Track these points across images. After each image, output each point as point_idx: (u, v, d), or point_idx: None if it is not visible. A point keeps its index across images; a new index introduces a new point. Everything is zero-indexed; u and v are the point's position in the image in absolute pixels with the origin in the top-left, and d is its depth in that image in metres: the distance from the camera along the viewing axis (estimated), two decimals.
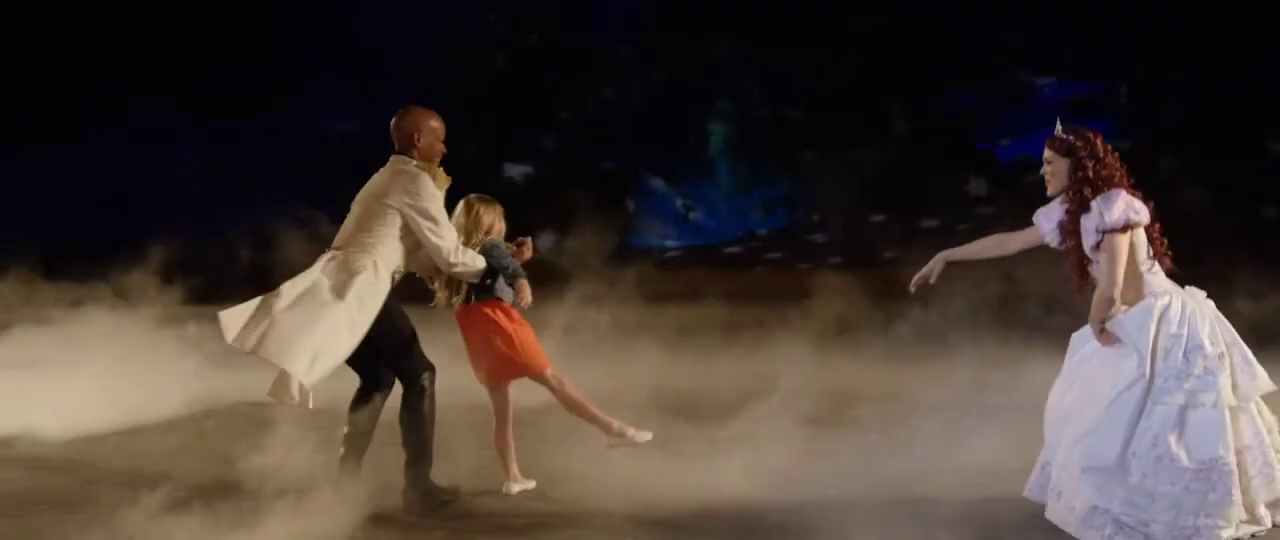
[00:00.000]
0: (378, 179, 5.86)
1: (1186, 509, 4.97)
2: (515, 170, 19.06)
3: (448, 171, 5.92)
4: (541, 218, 17.43)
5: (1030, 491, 5.34)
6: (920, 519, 5.50)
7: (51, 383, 8.42)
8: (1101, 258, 5.08)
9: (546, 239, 16.92)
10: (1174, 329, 5.05)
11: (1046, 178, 5.25)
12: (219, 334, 5.52)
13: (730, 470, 6.32)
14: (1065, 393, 5.24)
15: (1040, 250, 5.51)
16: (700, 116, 20.92)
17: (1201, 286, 5.30)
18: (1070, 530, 5.11)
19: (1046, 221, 5.35)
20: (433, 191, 5.76)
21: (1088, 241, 5.12)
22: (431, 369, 5.95)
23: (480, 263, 5.87)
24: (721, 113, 20.85)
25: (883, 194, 18.57)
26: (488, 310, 6.04)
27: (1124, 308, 5.09)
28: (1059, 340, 5.48)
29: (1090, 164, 5.10)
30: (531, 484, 6.26)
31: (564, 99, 20.63)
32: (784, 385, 7.65)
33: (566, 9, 21.48)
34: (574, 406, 6.18)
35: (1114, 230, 5.02)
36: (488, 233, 6.04)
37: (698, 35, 20.62)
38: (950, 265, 5.68)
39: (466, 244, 5.94)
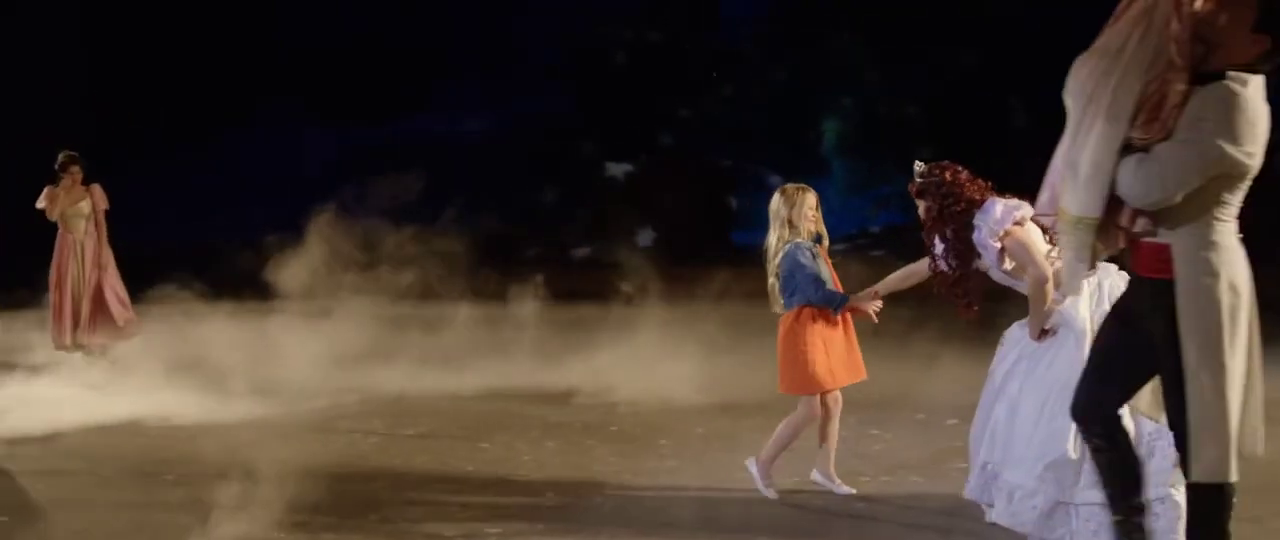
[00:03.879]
0: None
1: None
2: (616, 168, 19.32)
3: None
4: (646, 215, 17.73)
5: (970, 493, 5.29)
6: None
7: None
8: (1014, 257, 5.12)
9: (646, 236, 17.25)
10: (1100, 306, 5.03)
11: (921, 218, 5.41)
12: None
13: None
14: (1001, 391, 5.20)
15: None
16: (820, 114, 20.87)
17: None
18: (1026, 530, 5.09)
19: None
20: None
21: (991, 258, 5.17)
22: None
23: None
24: (841, 110, 20.77)
25: (1001, 190, 18.20)
26: (793, 318, 6.00)
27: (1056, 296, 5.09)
28: None
29: (940, 202, 5.24)
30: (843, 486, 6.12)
31: (683, 97, 20.83)
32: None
33: (692, 7, 21.67)
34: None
35: (1007, 229, 5.10)
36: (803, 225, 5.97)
37: (820, 33, 20.59)
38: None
39: (789, 237, 5.94)
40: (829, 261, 6.11)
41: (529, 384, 9.46)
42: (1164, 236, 3.99)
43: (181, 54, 20.50)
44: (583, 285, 16.75)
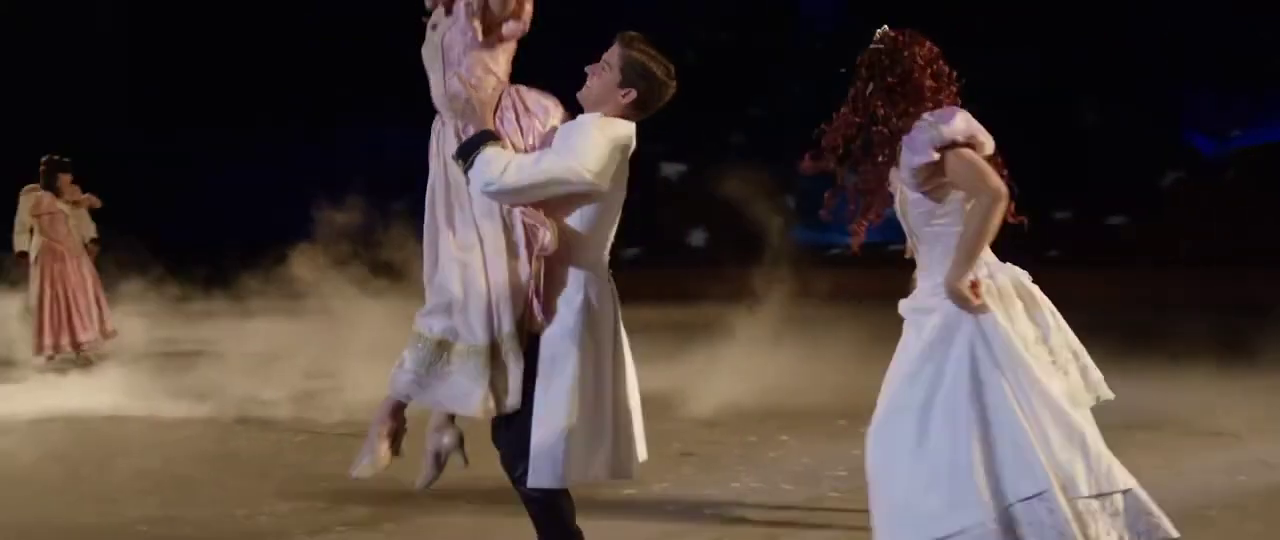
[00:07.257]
0: None
1: None
2: (670, 168, 19.40)
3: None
4: (701, 215, 17.75)
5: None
6: None
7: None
8: (957, 176, 3.98)
9: (698, 235, 17.29)
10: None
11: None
12: None
13: None
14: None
15: None
16: None
17: None
18: None
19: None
20: None
21: (913, 162, 3.99)
22: None
23: None
24: None
25: (1067, 191, 17.75)
26: None
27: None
28: None
29: (881, 76, 4.18)
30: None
31: (755, 96, 20.85)
32: None
33: (766, 8, 21.62)
34: None
35: (961, 141, 3.97)
36: None
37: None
38: None
39: None
40: None
41: None
42: None
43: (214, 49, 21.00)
44: (626, 287, 16.91)
